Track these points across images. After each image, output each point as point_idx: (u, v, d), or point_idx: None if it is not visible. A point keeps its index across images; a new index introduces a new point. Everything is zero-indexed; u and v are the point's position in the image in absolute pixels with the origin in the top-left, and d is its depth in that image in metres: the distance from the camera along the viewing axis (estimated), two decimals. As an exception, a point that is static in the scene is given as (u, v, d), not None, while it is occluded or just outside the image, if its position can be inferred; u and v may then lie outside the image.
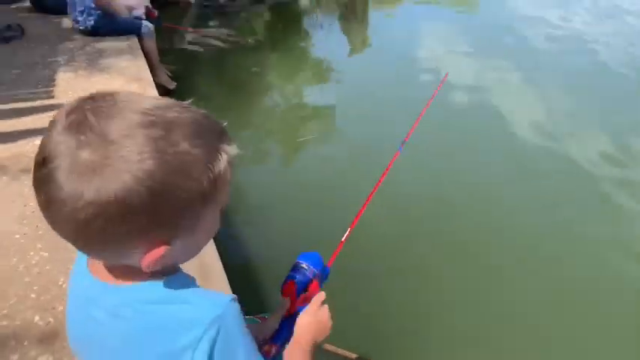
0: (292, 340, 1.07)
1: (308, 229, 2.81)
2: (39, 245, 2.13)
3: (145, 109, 0.68)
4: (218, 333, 0.74)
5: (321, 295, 1.18)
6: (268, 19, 7.02)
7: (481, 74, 5.10)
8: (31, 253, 2.08)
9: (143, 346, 0.75)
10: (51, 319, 1.77)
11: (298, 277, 1.25)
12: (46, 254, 2.08)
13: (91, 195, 0.64)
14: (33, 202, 2.38)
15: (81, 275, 0.83)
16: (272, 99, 4.90)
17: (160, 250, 0.72)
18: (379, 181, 1.45)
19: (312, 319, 1.10)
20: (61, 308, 1.81)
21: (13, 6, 5.34)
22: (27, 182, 2.55)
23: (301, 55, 6.04)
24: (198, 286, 0.82)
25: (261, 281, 2.47)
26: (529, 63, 5.35)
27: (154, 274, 0.77)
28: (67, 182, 0.64)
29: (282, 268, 1.30)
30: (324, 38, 6.56)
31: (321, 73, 5.53)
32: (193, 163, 0.68)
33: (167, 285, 0.77)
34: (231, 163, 0.74)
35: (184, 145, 0.68)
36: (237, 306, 0.79)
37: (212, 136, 0.72)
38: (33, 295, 1.87)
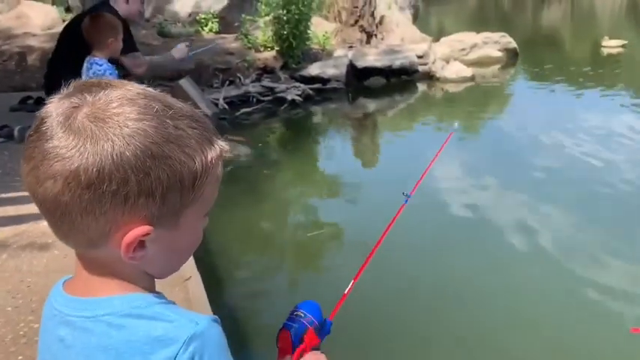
0: None
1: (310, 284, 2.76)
2: (30, 318, 2.05)
3: (144, 90, 0.70)
4: (194, 355, 0.67)
5: (318, 356, 1.09)
6: (282, 132, 7.31)
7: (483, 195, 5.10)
8: (21, 324, 1.99)
9: None
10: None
11: (293, 325, 1.15)
12: (36, 326, 1.98)
13: (87, 147, 0.62)
14: (30, 278, 2.34)
15: (54, 296, 0.78)
16: (281, 198, 4.94)
17: (143, 229, 0.67)
18: (384, 233, 1.40)
19: None
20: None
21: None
22: (26, 259, 2.53)
23: (311, 164, 6.19)
24: (176, 305, 0.76)
25: (259, 336, 2.34)
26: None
27: (129, 288, 0.72)
28: (63, 136, 0.63)
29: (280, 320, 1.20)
30: (334, 150, 6.76)
31: (329, 178, 5.65)
32: (188, 140, 0.68)
33: (142, 299, 0.71)
34: (221, 158, 0.73)
35: (181, 123, 0.68)
36: (218, 328, 0.72)
37: (207, 127, 0.73)
38: (15, 365, 1.75)
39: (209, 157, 0.70)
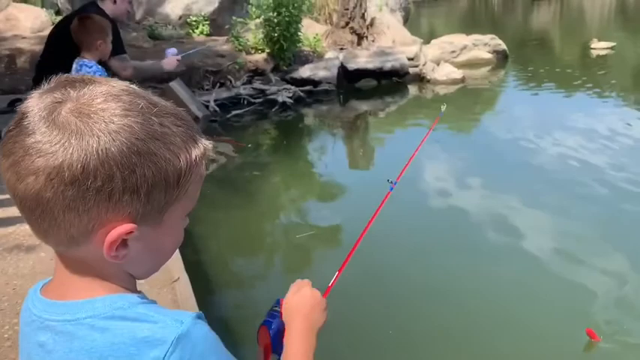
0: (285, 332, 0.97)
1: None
2: (15, 320, 2.04)
3: (129, 87, 0.69)
4: (183, 354, 0.66)
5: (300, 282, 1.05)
6: (273, 134, 7.30)
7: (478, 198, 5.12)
8: (6, 327, 1.98)
9: None
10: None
11: (271, 321, 1.12)
12: (21, 328, 1.97)
13: (72, 143, 0.61)
14: (16, 281, 2.32)
15: (31, 301, 0.75)
16: (267, 201, 4.93)
17: (127, 227, 0.66)
18: (369, 222, 1.40)
19: (295, 298, 1.01)
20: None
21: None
22: (12, 262, 2.52)
23: (302, 165, 6.19)
24: (158, 305, 0.74)
25: (247, 337, 2.34)
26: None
27: (111, 288, 0.71)
28: (47, 131, 0.62)
29: (259, 308, 1.19)
30: (325, 151, 6.76)
31: (320, 180, 5.66)
32: (173, 137, 0.67)
33: (124, 300, 0.70)
34: (204, 157, 0.73)
35: (166, 121, 0.68)
36: (203, 323, 0.71)
37: (191, 125, 0.72)
38: (0, 367, 1.74)
39: (193, 156, 0.69)
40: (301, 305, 1.00)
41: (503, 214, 4.42)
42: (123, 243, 0.67)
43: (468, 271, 3.53)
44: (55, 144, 0.61)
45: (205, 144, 0.72)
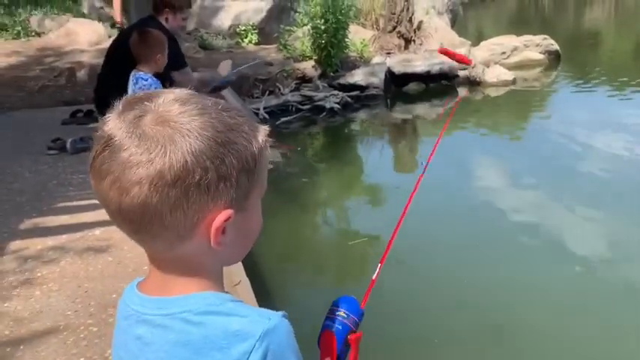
0: None
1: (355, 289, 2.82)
2: (89, 321, 2.14)
3: (190, 91, 0.76)
4: (268, 349, 0.71)
5: None
6: (321, 140, 7.36)
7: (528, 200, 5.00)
8: (81, 328, 2.08)
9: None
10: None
11: (336, 326, 1.11)
12: (95, 329, 2.07)
13: (167, 147, 0.67)
14: (87, 284, 2.44)
15: (129, 296, 0.82)
16: (321, 206, 4.97)
17: (227, 212, 0.72)
18: (406, 206, 1.43)
19: None
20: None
21: (91, 125, 5.76)
22: (82, 266, 2.63)
23: (351, 171, 6.20)
24: (245, 303, 0.79)
25: (305, 341, 2.37)
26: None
27: (203, 285, 0.76)
28: (140, 143, 0.67)
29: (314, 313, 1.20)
30: (373, 156, 6.76)
31: (369, 186, 5.66)
32: (243, 126, 0.74)
33: (216, 297, 0.76)
34: (267, 140, 0.79)
35: (232, 113, 0.75)
36: (288, 322, 0.76)
37: (248, 115, 0.82)
38: (77, 366, 1.83)
39: (260, 140, 0.76)
40: None
41: (554, 218, 4.33)
42: (222, 230, 0.73)
43: (514, 278, 3.47)
44: (152, 152, 0.67)
45: (265, 128, 0.79)
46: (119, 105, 0.72)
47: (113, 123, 0.69)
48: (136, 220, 0.70)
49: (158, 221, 0.70)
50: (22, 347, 2.00)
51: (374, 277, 1.32)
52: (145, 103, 0.71)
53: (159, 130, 0.68)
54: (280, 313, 0.75)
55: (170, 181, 0.67)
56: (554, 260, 3.68)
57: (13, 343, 2.03)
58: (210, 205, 0.71)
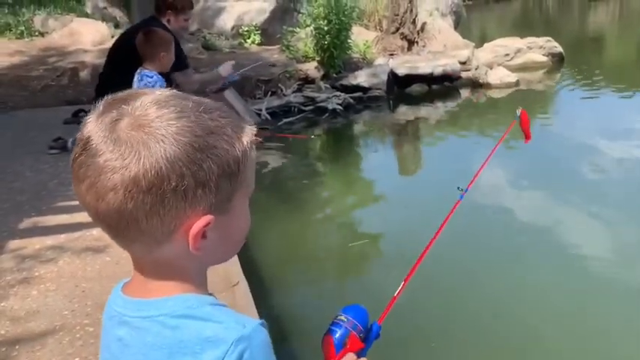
0: None
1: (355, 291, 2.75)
2: (85, 321, 2.14)
3: (173, 92, 0.74)
4: (242, 356, 0.70)
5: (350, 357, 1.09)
6: (323, 141, 7.34)
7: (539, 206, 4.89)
8: (77, 328, 2.08)
9: None
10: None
11: (336, 330, 1.13)
12: (91, 329, 2.07)
13: (141, 153, 0.66)
14: (85, 284, 2.43)
15: (114, 298, 0.82)
16: (321, 208, 4.95)
17: (206, 219, 0.71)
18: (438, 230, 1.38)
19: None
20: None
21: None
22: (80, 265, 2.63)
23: (352, 171, 6.19)
24: (227, 307, 0.79)
25: (304, 342, 2.36)
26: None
27: (183, 288, 0.76)
28: (115, 148, 0.66)
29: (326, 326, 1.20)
30: (375, 158, 6.74)
31: (370, 187, 5.64)
32: (225, 129, 0.72)
33: (195, 299, 0.75)
34: (253, 141, 0.77)
35: (214, 115, 0.72)
36: (265, 332, 0.75)
37: (233, 115, 0.77)
38: (72, 366, 1.82)
39: (244, 141, 0.74)
40: None
41: (577, 224, 4.24)
42: (202, 234, 0.71)
43: (538, 291, 3.34)
44: (126, 158, 0.66)
45: (251, 128, 0.77)
46: (100, 105, 0.71)
47: (91, 126, 0.68)
48: (113, 225, 0.70)
49: (134, 227, 0.69)
50: (17, 347, 1.99)
51: (395, 294, 1.28)
52: (123, 106, 0.69)
53: (133, 135, 0.66)
54: (258, 321, 0.74)
55: (145, 188, 0.66)
56: (591, 283, 3.47)
57: (8, 342, 2.02)
58: (188, 211, 0.69)
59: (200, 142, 0.68)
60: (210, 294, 0.80)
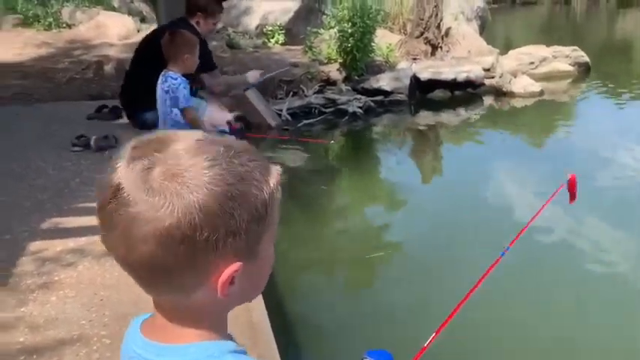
0: None
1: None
2: (103, 332, 2.15)
3: (202, 136, 0.74)
4: None
5: None
6: (342, 143, 7.32)
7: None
8: (94, 339, 2.09)
9: None
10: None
11: None
12: (108, 342, 2.08)
13: (175, 204, 0.65)
14: (103, 292, 2.45)
15: (133, 337, 0.82)
16: (339, 216, 4.94)
17: (235, 266, 0.71)
18: (475, 286, 1.35)
19: None
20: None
21: (116, 122, 5.80)
22: (99, 272, 2.65)
23: (371, 177, 6.16)
24: (248, 356, 0.79)
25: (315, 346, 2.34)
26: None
27: (205, 335, 0.76)
28: (147, 198, 0.66)
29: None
30: (394, 163, 6.70)
31: (389, 194, 5.60)
32: (254, 173, 0.72)
33: (217, 347, 0.75)
34: (279, 182, 0.77)
35: (244, 160, 0.72)
36: None
37: (261, 157, 0.77)
38: (89, 380, 1.84)
39: (271, 184, 0.74)
40: None
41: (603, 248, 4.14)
42: (231, 281, 0.72)
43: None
44: (159, 209, 0.66)
45: (277, 169, 0.77)
46: (128, 149, 0.71)
47: (122, 172, 0.68)
48: (144, 276, 0.71)
49: (165, 277, 0.70)
50: (35, 357, 2.02)
51: (426, 344, 1.26)
52: (155, 153, 0.69)
53: (167, 185, 0.66)
54: None
55: (178, 239, 0.66)
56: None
57: (27, 351, 2.05)
58: (219, 259, 0.70)
59: (232, 190, 0.68)
60: (230, 335, 0.81)
